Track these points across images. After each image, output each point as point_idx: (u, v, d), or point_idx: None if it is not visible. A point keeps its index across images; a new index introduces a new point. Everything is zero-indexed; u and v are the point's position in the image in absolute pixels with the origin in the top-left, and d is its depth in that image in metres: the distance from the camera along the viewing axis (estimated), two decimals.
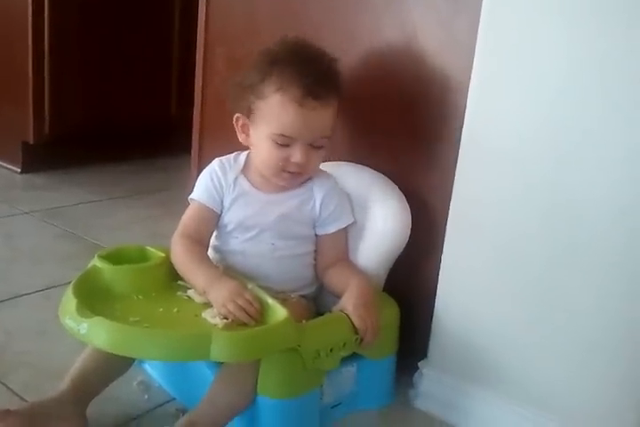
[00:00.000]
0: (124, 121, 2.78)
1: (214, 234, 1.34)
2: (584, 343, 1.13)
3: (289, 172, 1.25)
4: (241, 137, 1.30)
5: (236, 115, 1.29)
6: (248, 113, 1.26)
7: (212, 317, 1.12)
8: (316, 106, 1.21)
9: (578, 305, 1.13)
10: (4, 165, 2.69)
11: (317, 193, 1.32)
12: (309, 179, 1.32)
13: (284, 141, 1.22)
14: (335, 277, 1.30)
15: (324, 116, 1.23)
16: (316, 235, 1.33)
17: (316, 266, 1.34)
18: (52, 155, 2.66)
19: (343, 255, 1.34)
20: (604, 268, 1.09)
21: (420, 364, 1.33)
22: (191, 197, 1.33)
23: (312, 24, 1.48)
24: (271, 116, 1.22)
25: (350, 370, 1.25)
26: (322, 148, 1.26)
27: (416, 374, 1.34)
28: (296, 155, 1.23)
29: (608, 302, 1.10)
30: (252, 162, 1.32)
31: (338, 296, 1.25)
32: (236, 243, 1.31)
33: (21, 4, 2.43)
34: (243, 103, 1.27)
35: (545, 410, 1.19)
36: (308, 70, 1.21)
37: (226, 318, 1.10)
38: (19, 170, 2.65)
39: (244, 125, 1.29)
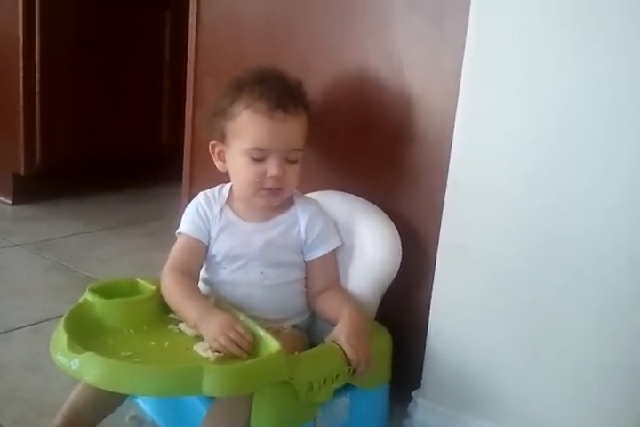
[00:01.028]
0: (115, 151, 2.78)
1: (203, 266, 1.34)
2: (581, 369, 1.13)
3: (267, 188, 1.26)
4: (218, 164, 1.32)
5: (212, 142, 1.31)
6: (222, 138, 1.28)
7: (203, 350, 1.11)
8: (285, 117, 1.23)
9: (573, 331, 1.13)
10: None
11: (302, 218, 1.32)
12: (292, 204, 1.33)
13: (258, 155, 1.23)
14: (327, 305, 1.30)
15: (293, 127, 1.26)
16: (305, 261, 1.33)
17: (307, 293, 1.34)
18: (43, 186, 2.66)
19: (334, 281, 1.34)
20: (599, 293, 1.09)
21: (413, 393, 1.33)
22: (179, 231, 1.33)
23: (298, 56, 1.49)
24: (243, 133, 1.24)
25: (344, 401, 1.24)
26: (296, 162, 1.27)
27: (410, 404, 1.34)
28: (271, 169, 1.24)
29: (604, 328, 1.10)
30: (234, 190, 1.34)
31: (329, 323, 1.25)
32: (225, 273, 1.31)
33: (12, 35, 2.45)
34: (216, 130, 1.29)
35: None
36: (275, 87, 1.25)
37: (217, 352, 1.10)
38: (10, 201, 2.65)
39: (220, 152, 1.31)
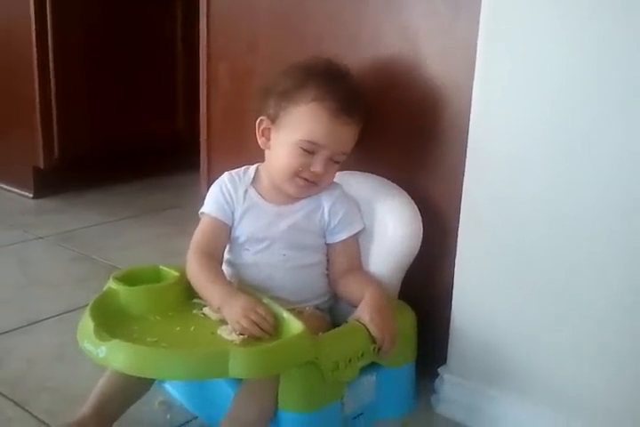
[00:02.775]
0: (133, 140, 2.78)
1: (227, 248, 1.34)
2: (604, 340, 1.13)
3: (304, 178, 1.26)
4: (260, 140, 1.31)
5: (261, 117, 1.30)
6: (274, 117, 1.27)
7: (227, 333, 1.12)
8: (347, 121, 1.24)
9: (595, 302, 1.12)
10: (17, 190, 2.71)
11: (325, 201, 1.32)
12: None
13: (310, 148, 1.23)
14: (349, 287, 1.30)
15: (350, 133, 1.26)
16: (327, 244, 1.34)
17: (328, 276, 1.34)
18: (63, 178, 2.67)
19: (356, 264, 1.34)
20: (618, 262, 1.09)
21: (440, 369, 1.33)
22: (202, 210, 1.33)
23: (313, 36, 1.48)
24: (303, 123, 1.23)
25: (370, 379, 1.25)
26: (338, 164, 1.28)
27: (437, 380, 1.34)
28: (316, 164, 1.24)
29: (625, 297, 1.09)
30: (263, 173, 1.34)
31: (353, 305, 1.25)
32: (248, 255, 1.31)
33: (25, 29, 2.45)
34: (269, 108, 1.28)
35: (572, 412, 1.18)
36: (344, 88, 1.25)
37: (242, 335, 1.10)
38: (31, 195, 2.66)
39: (265, 129, 1.30)
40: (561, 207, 1.13)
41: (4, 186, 2.75)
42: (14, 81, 2.59)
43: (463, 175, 1.23)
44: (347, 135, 1.26)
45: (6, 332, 1.60)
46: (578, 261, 1.12)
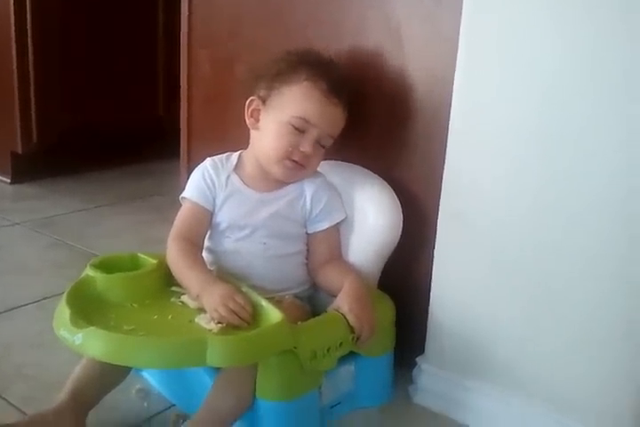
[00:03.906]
0: (112, 126, 2.76)
1: (207, 235, 1.33)
2: (580, 332, 1.13)
3: (292, 160, 1.26)
4: (249, 121, 1.31)
5: (251, 97, 1.30)
6: (265, 98, 1.28)
7: (206, 322, 1.11)
8: (337, 104, 1.26)
9: (572, 295, 1.13)
10: None
11: (308, 190, 1.32)
12: None
13: (300, 126, 1.24)
14: (328, 276, 1.30)
15: (339, 115, 1.28)
16: (307, 233, 1.33)
17: (308, 265, 1.34)
18: (42, 164, 2.65)
19: (336, 254, 1.34)
20: (598, 257, 1.09)
21: (417, 359, 1.34)
22: (183, 195, 1.33)
23: (297, 23, 1.47)
24: (295, 102, 1.25)
25: (348, 369, 1.25)
26: (324, 148, 1.29)
27: (414, 370, 1.34)
28: (305, 144, 1.25)
29: (600, 290, 1.10)
30: (246, 159, 1.34)
31: (332, 295, 1.25)
32: (229, 242, 1.30)
33: (3, 14, 2.42)
34: (260, 89, 1.29)
35: (545, 401, 1.19)
36: (335, 72, 1.29)
37: (220, 323, 1.10)
38: (8, 180, 2.64)
39: (254, 110, 1.30)
40: (540, 198, 1.13)
41: None
42: None
43: (443, 167, 1.23)
44: (335, 116, 1.27)
45: None
46: (556, 253, 1.13)
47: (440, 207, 1.26)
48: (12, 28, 2.42)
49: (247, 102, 1.31)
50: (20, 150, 2.57)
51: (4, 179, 2.65)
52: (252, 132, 1.32)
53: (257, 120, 1.30)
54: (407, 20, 1.30)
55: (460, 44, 1.18)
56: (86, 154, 2.74)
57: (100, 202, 2.49)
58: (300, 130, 1.25)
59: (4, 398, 1.29)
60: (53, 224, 2.23)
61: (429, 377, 1.32)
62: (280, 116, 1.26)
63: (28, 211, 2.34)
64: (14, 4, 2.39)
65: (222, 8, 1.61)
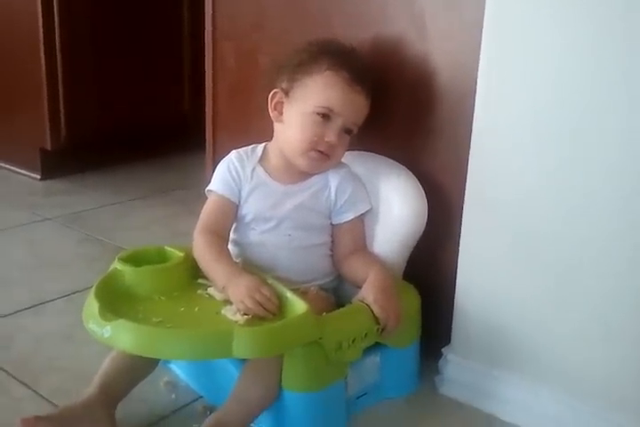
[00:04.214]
0: (139, 121, 2.77)
1: (233, 228, 1.34)
2: (607, 319, 1.12)
3: (318, 151, 1.26)
4: (273, 114, 1.32)
5: (274, 90, 1.30)
6: (288, 90, 1.28)
7: (232, 313, 1.12)
8: (360, 91, 1.26)
9: (599, 282, 1.12)
10: (24, 172, 2.71)
11: (332, 181, 1.32)
12: None
13: (325, 113, 1.25)
14: (353, 268, 1.30)
15: (363, 103, 1.28)
16: (332, 224, 1.34)
17: (332, 256, 1.34)
18: (70, 160, 2.67)
19: (361, 245, 1.34)
20: (624, 242, 1.08)
21: (443, 349, 1.33)
22: (209, 188, 1.33)
23: (320, 13, 1.47)
24: (318, 92, 1.25)
25: (374, 360, 1.25)
26: (350, 135, 1.29)
27: (441, 361, 1.34)
28: (330, 134, 1.25)
29: (629, 277, 1.09)
30: (271, 151, 1.34)
31: (357, 286, 1.25)
32: (255, 234, 1.31)
33: (31, 10, 2.43)
34: (282, 81, 1.29)
35: (574, 390, 1.18)
36: (356, 60, 1.28)
37: (246, 315, 1.11)
38: (38, 177, 2.66)
39: (278, 103, 1.30)
40: (566, 188, 1.12)
41: (12, 168, 2.75)
42: (21, 63, 2.58)
43: (468, 155, 1.23)
44: (359, 104, 1.27)
45: (15, 312, 1.61)
46: (582, 242, 1.12)
47: (465, 195, 1.25)
48: (41, 25, 2.43)
49: (270, 95, 1.31)
50: (49, 147, 2.59)
51: (35, 175, 2.68)
52: (276, 125, 1.33)
53: (280, 113, 1.30)
54: (431, 7, 1.29)
55: (484, 30, 1.16)
56: (113, 149, 2.76)
57: (128, 196, 2.50)
58: (324, 119, 1.25)
59: (34, 391, 1.31)
60: (83, 219, 2.26)
61: (455, 367, 1.31)
62: (304, 107, 1.26)
63: (59, 206, 2.36)
64: (42, 3, 2.41)
65: (244, 2, 1.61)
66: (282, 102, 1.30)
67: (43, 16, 2.43)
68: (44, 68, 2.49)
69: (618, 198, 1.07)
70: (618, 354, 1.13)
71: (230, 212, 1.32)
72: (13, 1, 2.53)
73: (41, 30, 2.45)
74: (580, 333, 1.16)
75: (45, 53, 2.47)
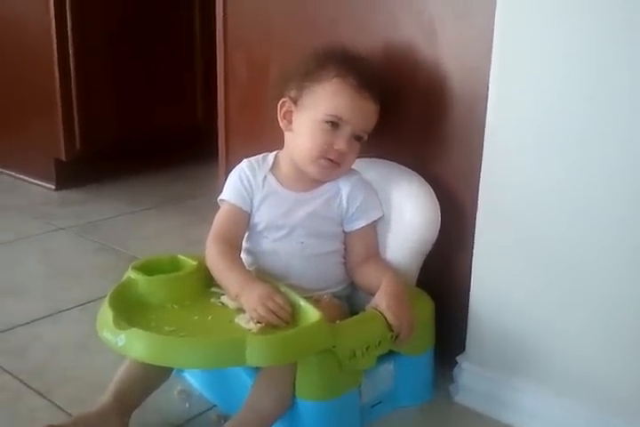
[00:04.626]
0: (152, 131, 2.79)
1: (245, 236, 1.34)
2: (622, 326, 1.12)
3: (328, 159, 1.26)
4: (282, 123, 1.32)
5: (283, 99, 1.30)
6: (296, 99, 1.29)
7: (245, 322, 1.12)
8: (369, 97, 1.26)
9: (614, 289, 1.11)
10: (39, 182, 2.72)
11: (344, 188, 1.32)
12: None
13: (334, 121, 1.24)
14: (367, 275, 1.30)
15: (372, 108, 1.27)
16: (344, 232, 1.33)
17: (345, 264, 1.34)
18: (85, 170, 2.68)
19: (373, 252, 1.34)
20: (637, 248, 1.07)
21: (458, 358, 1.32)
22: (221, 197, 1.34)
23: (328, 23, 1.47)
24: (326, 99, 1.25)
25: (388, 368, 1.25)
26: (360, 142, 1.29)
27: (455, 369, 1.33)
28: (339, 142, 1.25)
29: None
30: (282, 159, 1.34)
31: (370, 294, 1.25)
32: (267, 243, 1.31)
33: (44, 19, 2.45)
34: (291, 90, 1.29)
35: (591, 400, 1.17)
36: (363, 66, 1.28)
37: (260, 323, 1.11)
38: (53, 187, 2.68)
39: (287, 112, 1.31)
40: (578, 195, 1.11)
41: (27, 178, 2.77)
42: (34, 73, 2.60)
43: (481, 161, 1.22)
44: (368, 110, 1.27)
45: (30, 322, 1.62)
46: (596, 248, 1.11)
47: (479, 202, 1.24)
48: (54, 35, 2.44)
49: (279, 104, 1.31)
50: (63, 157, 2.61)
51: (49, 185, 2.69)
52: (286, 134, 1.33)
53: (290, 122, 1.31)
54: (440, 15, 1.29)
55: (494, 37, 1.16)
56: (127, 158, 2.77)
57: (142, 205, 2.51)
58: (333, 127, 1.25)
59: (49, 400, 1.31)
60: (98, 229, 2.27)
61: (470, 376, 1.31)
62: (313, 116, 1.26)
63: (73, 216, 2.37)
64: (55, 12, 2.42)
65: (255, 10, 1.61)
66: (291, 111, 1.30)
67: (56, 27, 2.44)
68: (57, 79, 2.50)
69: (633, 206, 1.06)
70: (637, 362, 1.11)
71: (242, 221, 1.32)
72: (27, 11, 2.56)
73: (55, 41, 2.46)
74: (596, 340, 1.15)
75: (59, 65, 2.49)
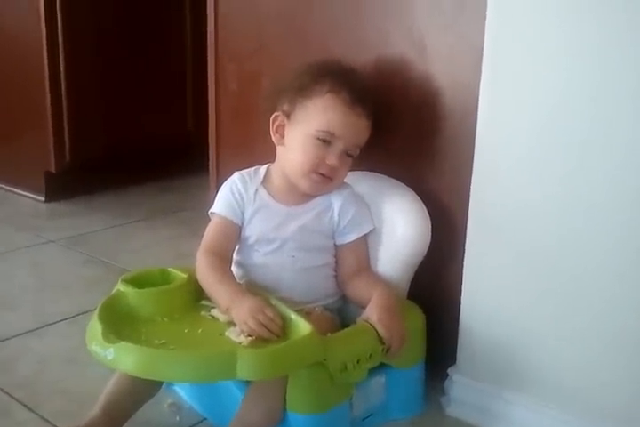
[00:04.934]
0: (143, 143, 2.78)
1: (236, 249, 1.34)
2: (616, 340, 1.12)
3: (320, 173, 1.26)
4: (275, 137, 1.32)
5: (275, 113, 1.30)
6: (289, 113, 1.28)
7: (236, 335, 1.12)
8: (361, 113, 1.26)
9: (606, 302, 1.11)
10: (29, 194, 2.71)
11: (335, 202, 1.32)
12: None
13: (326, 138, 1.24)
14: (358, 288, 1.30)
15: (364, 126, 1.28)
16: (335, 245, 1.33)
17: (336, 277, 1.34)
18: (75, 182, 2.67)
19: (364, 265, 1.34)
20: (628, 261, 1.08)
21: (449, 370, 1.32)
22: (212, 210, 1.33)
23: (318, 36, 1.48)
24: (319, 114, 1.25)
25: (379, 380, 1.24)
26: (351, 158, 1.29)
27: (446, 381, 1.33)
28: (331, 157, 1.25)
29: (636, 294, 1.08)
30: (274, 173, 1.34)
31: (362, 307, 1.25)
32: (258, 256, 1.31)
33: (35, 32, 2.45)
34: (284, 104, 1.29)
35: (582, 412, 1.17)
36: (357, 81, 1.28)
37: (250, 336, 1.10)
38: (43, 199, 2.67)
39: (279, 126, 1.30)
40: (569, 208, 1.12)
41: (17, 190, 2.76)
42: (25, 85, 2.60)
43: (471, 175, 1.23)
44: (360, 126, 1.27)
45: (18, 335, 1.61)
46: (587, 261, 1.11)
47: (469, 216, 1.25)
48: (44, 47, 2.45)
49: (271, 118, 1.31)
50: (53, 169, 2.60)
51: (39, 197, 2.68)
52: (279, 148, 1.33)
53: (282, 136, 1.31)
54: (430, 30, 1.30)
55: (484, 51, 1.17)
56: (117, 171, 2.77)
57: (131, 218, 2.51)
58: (325, 143, 1.25)
59: (37, 414, 1.30)
60: (87, 241, 2.26)
61: (461, 388, 1.30)
62: (305, 130, 1.26)
63: (62, 228, 2.36)
64: (46, 25, 2.43)
65: (247, 24, 1.62)
66: (283, 125, 1.30)
67: (47, 38, 2.45)
68: (48, 91, 2.50)
69: (625, 219, 1.07)
70: (629, 373, 1.12)
71: (233, 234, 1.31)
72: (17, 23, 2.56)
73: (45, 55, 2.46)
74: (587, 353, 1.15)
75: (49, 76, 2.49)
